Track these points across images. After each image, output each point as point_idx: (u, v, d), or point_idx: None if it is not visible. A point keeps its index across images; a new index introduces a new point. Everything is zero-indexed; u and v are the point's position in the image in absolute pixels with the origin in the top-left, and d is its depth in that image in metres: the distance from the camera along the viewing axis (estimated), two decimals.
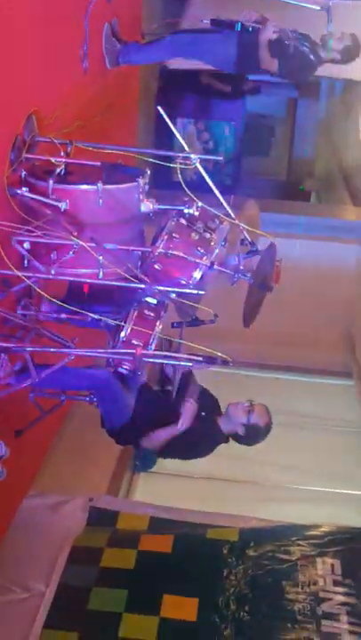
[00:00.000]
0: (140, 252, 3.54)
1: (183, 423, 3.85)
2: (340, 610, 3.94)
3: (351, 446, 5.86)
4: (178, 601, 3.86)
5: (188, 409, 3.87)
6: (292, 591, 4.02)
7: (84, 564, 4.10)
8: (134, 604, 3.83)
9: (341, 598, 4.01)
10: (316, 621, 3.85)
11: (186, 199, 3.48)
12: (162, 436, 3.91)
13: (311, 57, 4.93)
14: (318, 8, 5.12)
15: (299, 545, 4.32)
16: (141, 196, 3.50)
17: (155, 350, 3.49)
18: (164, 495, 5.01)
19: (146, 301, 3.55)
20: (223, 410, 4.09)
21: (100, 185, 3.34)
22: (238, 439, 4.04)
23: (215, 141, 8.56)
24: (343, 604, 3.98)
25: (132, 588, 3.92)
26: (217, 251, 3.49)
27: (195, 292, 3.42)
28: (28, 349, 3.42)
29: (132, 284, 3.40)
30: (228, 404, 4.03)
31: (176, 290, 3.43)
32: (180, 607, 3.83)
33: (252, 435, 4.00)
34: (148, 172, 3.61)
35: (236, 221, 3.49)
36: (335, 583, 4.09)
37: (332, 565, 4.20)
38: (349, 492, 5.52)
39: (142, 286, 3.42)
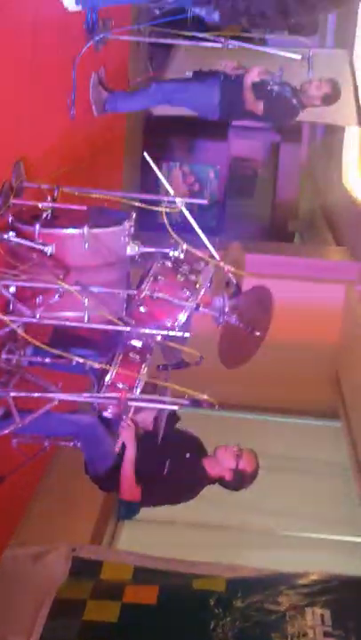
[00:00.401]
0: (125, 295, 3.55)
1: (118, 445, 3.77)
2: None
3: (339, 490, 5.86)
4: None
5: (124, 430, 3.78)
6: None
7: (66, 617, 3.99)
8: None
9: None
10: None
11: (171, 242, 3.49)
12: (127, 469, 3.80)
13: (293, 101, 5.01)
14: (300, 57, 5.23)
15: (287, 595, 4.24)
16: (127, 239, 3.53)
17: (140, 394, 3.47)
18: (149, 543, 4.98)
19: (131, 344, 3.54)
20: (209, 451, 4.04)
21: (85, 229, 3.36)
22: (225, 484, 3.99)
23: (200, 184, 8.68)
24: None
25: None
26: (202, 292, 3.49)
27: (180, 334, 3.43)
28: (12, 394, 3.41)
29: (118, 327, 3.41)
30: (216, 448, 3.98)
31: (161, 332, 3.44)
32: None
33: (239, 480, 3.95)
34: (134, 215, 3.64)
35: (221, 263, 3.50)
36: (325, 634, 4.00)
37: (322, 616, 4.13)
38: (338, 537, 5.50)
39: (128, 329, 3.43)
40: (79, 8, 4.25)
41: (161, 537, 5.16)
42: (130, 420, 3.73)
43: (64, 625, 3.94)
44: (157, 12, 6.06)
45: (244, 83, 4.88)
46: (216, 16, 4.10)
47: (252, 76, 4.87)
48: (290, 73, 5.18)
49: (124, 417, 3.72)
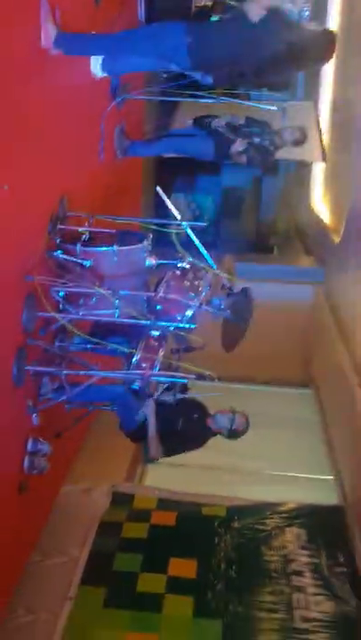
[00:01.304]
0: (145, 297, 3.60)
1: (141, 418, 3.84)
2: (304, 568, 4.00)
3: (309, 440, 5.85)
4: (181, 563, 3.90)
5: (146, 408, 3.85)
6: (268, 554, 4.08)
7: (108, 534, 4.12)
8: (148, 566, 3.87)
9: (306, 559, 4.06)
10: (286, 577, 3.91)
11: (179, 255, 3.54)
12: (152, 437, 3.87)
13: (271, 148, 4.90)
14: (276, 108, 5.26)
15: (272, 518, 4.36)
16: (146, 255, 3.59)
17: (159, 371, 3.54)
18: (169, 481, 5.00)
19: (151, 334, 3.60)
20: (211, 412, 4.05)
21: (115, 247, 3.44)
22: (223, 436, 4.02)
23: (201, 210, 8.68)
24: (307, 563, 4.04)
25: (146, 553, 3.96)
26: (203, 294, 3.53)
27: (187, 326, 3.48)
28: (64, 372, 3.48)
29: (141, 321, 3.47)
30: (216, 412, 4.01)
31: (173, 325, 3.48)
32: (183, 567, 3.88)
33: (234, 435, 3.99)
34: (151, 235, 3.68)
35: (218, 271, 3.56)
36: (301, 547, 4.14)
37: (299, 534, 4.25)
38: (308, 475, 5.51)
39: (148, 322, 3.48)
40: (104, 75, 4.26)
41: (177, 476, 5.16)
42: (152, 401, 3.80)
43: (107, 540, 4.08)
44: (165, 76, 6.05)
45: (230, 151, 4.78)
46: (209, 79, 4.11)
47: (236, 148, 4.77)
48: (269, 119, 5.09)
49: (147, 399, 3.78)
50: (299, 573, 3.95)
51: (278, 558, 4.06)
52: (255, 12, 3.32)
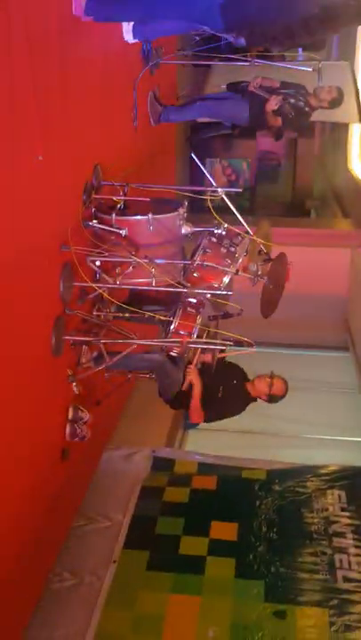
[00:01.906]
0: (182, 264, 3.51)
1: (186, 385, 3.79)
2: (346, 529, 3.91)
3: (349, 403, 5.78)
4: (222, 526, 3.86)
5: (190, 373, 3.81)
6: (309, 516, 4.01)
7: (150, 499, 4.10)
8: (190, 529, 3.84)
9: (347, 521, 3.97)
10: (328, 539, 3.84)
11: (215, 222, 3.44)
12: (195, 401, 3.82)
13: (306, 109, 4.72)
14: (311, 69, 5.02)
15: (312, 481, 4.28)
16: (182, 222, 3.48)
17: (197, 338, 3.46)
18: (208, 446, 4.99)
19: (188, 301, 3.52)
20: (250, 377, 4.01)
21: (150, 215, 3.33)
22: (263, 400, 3.97)
23: (236, 174, 8.47)
24: (348, 525, 3.94)
25: (187, 517, 3.93)
26: (240, 260, 3.44)
27: (224, 292, 3.40)
28: (103, 341, 3.44)
29: (178, 289, 3.41)
30: (256, 376, 3.95)
31: (210, 292, 3.42)
32: (225, 530, 3.83)
33: (273, 400, 3.93)
34: (186, 202, 3.57)
35: (254, 237, 3.43)
36: (342, 509, 4.06)
37: (339, 496, 4.16)
38: (348, 438, 5.44)
39: (185, 290, 3.42)
40: (136, 40, 4.13)
41: (217, 441, 5.17)
42: (193, 366, 3.75)
43: (149, 504, 4.05)
44: (197, 38, 5.83)
45: (265, 109, 4.62)
46: (242, 40, 3.90)
47: (271, 106, 4.60)
48: (304, 81, 4.94)
49: (190, 364, 3.73)
50: (340, 535, 3.88)
51: (319, 520, 3.98)
52: None
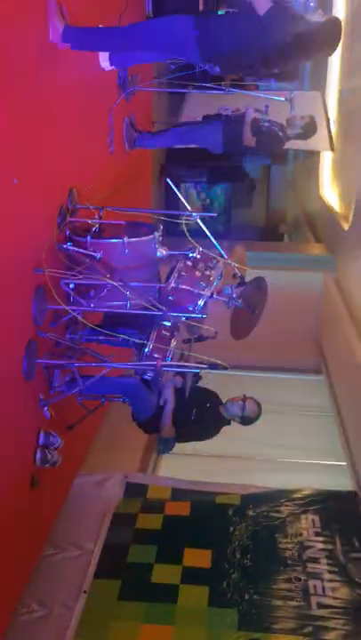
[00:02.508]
0: (157, 287, 3.51)
1: (162, 401, 3.80)
2: (320, 554, 3.87)
3: (322, 426, 5.76)
4: (196, 553, 3.79)
5: (166, 389, 3.81)
6: (283, 541, 3.96)
7: (122, 526, 4.02)
8: (162, 557, 3.76)
9: (321, 545, 3.94)
10: (302, 564, 3.79)
11: (190, 246, 3.44)
12: (166, 420, 3.82)
13: (280, 134, 4.80)
14: (283, 99, 5.10)
15: (287, 505, 4.24)
16: (157, 246, 3.47)
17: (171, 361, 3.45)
18: (182, 471, 4.93)
19: (163, 324, 3.51)
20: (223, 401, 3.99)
21: (125, 239, 3.32)
22: (236, 422, 3.96)
23: (210, 199, 8.56)
24: (322, 549, 3.91)
25: (160, 544, 3.85)
26: (215, 284, 3.44)
27: (199, 315, 3.40)
28: (76, 365, 3.39)
29: (152, 312, 3.38)
30: (228, 399, 3.94)
31: (185, 315, 3.41)
32: (198, 557, 3.76)
33: (246, 421, 3.93)
34: (161, 226, 3.57)
35: (228, 261, 3.45)
36: (316, 534, 4.02)
37: (313, 520, 4.13)
38: (322, 462, 5.42)
39: (160, 313, 3.39)
40: (112, 68, 4.18)
41: (191, 466, 5.11)
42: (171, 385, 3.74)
43: (121, 532, 3.96)
44: (173, 67, 5.91)
45: (245, 119, 4.63)
46: (217, 69, 3.98)
47: (252, 114, 4.62)
48: (276, 111, 5.02)
49: (168, 380, 3.72)
50: (314, 560, 3.83)
51: (293, 545, 3.94)
52: (262, 5, 3.23)
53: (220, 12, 3.50)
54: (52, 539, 3.84)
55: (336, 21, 3.62)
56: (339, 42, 3.60)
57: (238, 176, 8.50)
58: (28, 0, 3.03)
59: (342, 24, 3.67)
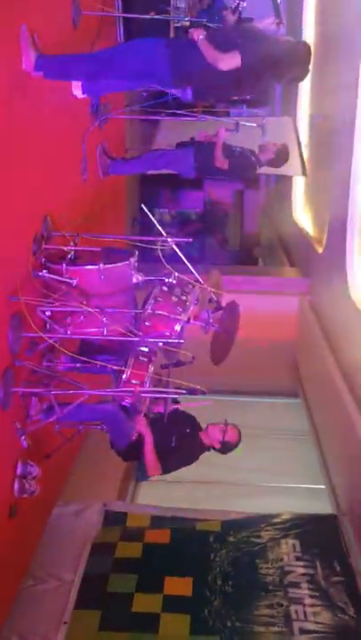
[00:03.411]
0: (133, 313, 3.54)
1: (135, 435, 3.79)
2: (301, 579, 3.89)
3: (300, 450, 5.81)
4: (177, 581, 3.79)
5: (139, 424, 3.80)
6: (264, 567, 3.98)
7: (102, 555, 4.00)
8: (143, 586, 3.75)
9: (302, 570, 3.96)
10: (283, 589, 3.81)
11: (166, 271, 3.50)
12: (148, 454, 3.82)
13: (252, 158, 4.91)
14: (255, 125, 5.25)
15: (267, 530, 4.26)
16: (133, 271, 3.51)
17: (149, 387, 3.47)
18: (161, 498, 4.92)
19: (140, 350, 3.53)
20: (203, 426, 4.01)
21: (101, 265, 3.37)
22: (216, 450, 3.98)
23: (185, 224, 8.69)
24: (303, 574, 3.93)
25: (140, 573, 3.84)
26: (191, 309, 3.49)
27: (176, 341, 3.43)
28: (53, 392, 3.39)
29: (129, 338, 3.40)
30: (208, 424, 3.96)
31: (162, 340, 3.43)
32: (179, 585, 3.76)
33: (227, 448, 3.95)
34: (137, 252, 3.61)
35: (204, 285, 3.50)
36: (297, 558, 4.05)
37: (294, 545, 4.16)
38: (301, 485, 5.46)
39: (137, 339, 3.42)
40: (85, 95, 4.24)
41: (170, 493, 5.11)
42: (142, 416, 3.72)
43: (101, 561, 3.95)
44: (145, 94, 6.04)
45: (217, 141, 4.73)
46: (189, 95, 4.07)
47: (223, 135, 4.73)
48: (248, 137, 5.10)
49: (139, 414, 3.70)
50: (296, 585, 3.86)
51: (274, 571, 3.96)
52: (230, 63, 3.33)
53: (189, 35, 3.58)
54: (30, 570, 3.81)
55: (305, 44, 3.77)
56: (309, 64, 3.72)
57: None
58: (1, 29, 3.10)
59: (312, 49, 3.81)
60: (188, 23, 6.27)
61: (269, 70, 3.53)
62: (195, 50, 3.41)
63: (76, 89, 4.14)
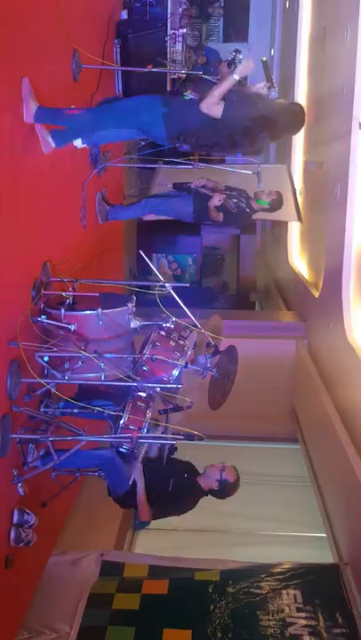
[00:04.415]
0: (131, 358, 3.56)
1: (130, 481, 3.75)
2: (303, 631, 3.83)
3: (301, 497, 5.75)
4: (175, 633, 3.73)
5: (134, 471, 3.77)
6: (265, 618, 3.92)
7: (99, 607, 3.94)
8: (141, 638, 3.69)
9: (303, 622, 3.90)
10: None
11: (163, 316, 3.52)
12: (141, 499, 3.78)
13: (247, 210, 5.02)
14: (251, 172, 5.39)
15: (267, 581, 4.21)
16: (131, 316, 3.53)
17: (147, 432, 3.47)
18: (159, 547, 4.86)
19: (138, 395, 3.53)
20: (200, 471, 3.96)
21: (99, 310, 3.40)
22: (214, 493, 3.90)
23: (182, 269, 8.80)
24: (305, 626, 3.87)
25: (138, 626, 3.78)
26: (189, 353, 3.51)
27: (174, 386, 3.44)
28: (50, 439, 3.38)
29: (127, 383, 3.41)
30: (205, 467, 3.93)
31: (160, 385, 3.45)
32: (178, 638, 3.70)
33: (225, 488, 3.87)
34: (135, 297, 3.66)
35: (202, 330, 3.52)
36: (298, 610, 4.00)
37: (295, 595, 4.10)
38: (303, 534, 5.39)
39: (135, 384, 3.43)
40: (85, 145, 4.36)
41: (168, 541, 5.06)
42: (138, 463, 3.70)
43: (98, 613, 3.89)
44: (143, 143, 6.22)
45: (208, 205, 4.88)
46: (186, 146, 4.19)
47: (215, 202, 4.88)
48: (244, 183, 5.25)
49: (136, 459, 3.67)
50: (297, 637, 3.79)
51: (275, 623, 3.90)
52: (214, 111, 3.43)
53: (185, 96, 3.69)
54: (26, 622, 3.74)
55: (299, 106, 3.90)
56: (303, 125, 3.85)
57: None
58: (3, 82, 3.20)
59: (305, 107, 3.96)
60: (184, 75, 6.54)
61: (265, 131, 3.65)
62: (191, 109, 3.51)
63: (76, 140, 4.28)
